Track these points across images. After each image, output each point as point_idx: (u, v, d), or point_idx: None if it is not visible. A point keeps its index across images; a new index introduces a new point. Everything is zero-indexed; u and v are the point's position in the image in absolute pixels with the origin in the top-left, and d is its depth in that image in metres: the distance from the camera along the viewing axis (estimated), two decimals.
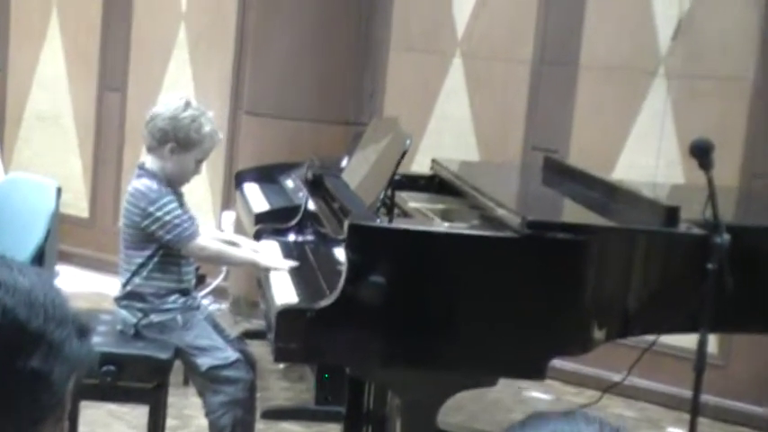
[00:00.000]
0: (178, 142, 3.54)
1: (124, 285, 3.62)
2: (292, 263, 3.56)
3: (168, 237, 3.50)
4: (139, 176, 3.59)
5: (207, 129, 3.57)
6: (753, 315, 3.39)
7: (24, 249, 4.71)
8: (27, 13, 6.81)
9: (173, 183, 3.60)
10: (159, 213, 3.49)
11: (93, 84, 6.65)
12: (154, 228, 3.50)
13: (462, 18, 5.55)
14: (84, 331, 1.32)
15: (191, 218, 3.60)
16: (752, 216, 4.29)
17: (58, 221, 5.14)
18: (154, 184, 3.54)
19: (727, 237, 2.99)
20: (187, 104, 3.57)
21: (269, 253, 3.72)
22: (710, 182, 3.02)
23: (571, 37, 5.28)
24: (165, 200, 3.51)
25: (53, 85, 6.75)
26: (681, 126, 4.98)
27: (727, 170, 4.69)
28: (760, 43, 4.84)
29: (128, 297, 3.61)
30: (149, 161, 3.60)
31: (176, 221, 3.50)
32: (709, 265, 2.98)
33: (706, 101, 4.97)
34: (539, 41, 5.37)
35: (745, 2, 4.88)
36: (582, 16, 5.24)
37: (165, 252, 3.56)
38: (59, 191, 5.00)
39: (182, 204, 3.62)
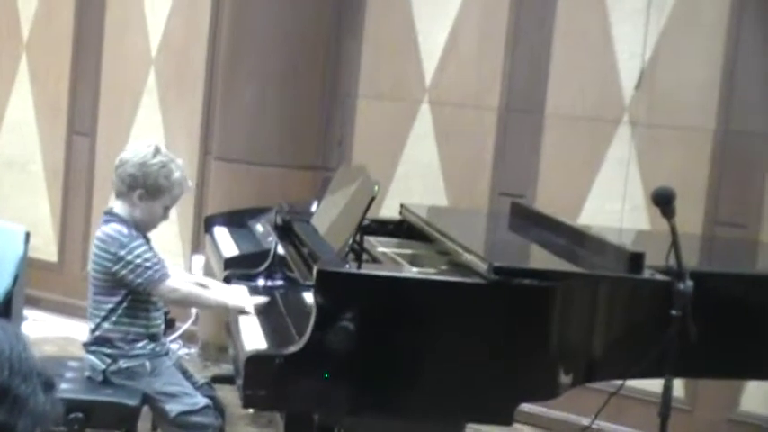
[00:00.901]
0: (147, 189, 3.55)
1: (93, 331, 3.62)
2: (262, 299, 3.58)
3: (139, 280, 3.50)
4: (107, 222, 3.59)
5: (176, 176, 3.59)
6: (717, 360, 3.43)
7: None
8: None
9: (140, 228, 3.61)
10: (130, 257, 3.50)
11: (62, 128, 6.65)
12: (124, 272, 3.50)
13: (430, 66, 5.62)
14: (49, 385, 1.33)
15: (161, 260, 3.61)
16: (715, 263, 4.35)
17: (27, 266, 5.13)
18: (124, 229, 3.54)
19: (690, 283, 3.04)
20: (156, 151, 3.59)
21: (238, 294, 3.73)
22: (673, 229, 3.08)
23: (537, 85, 5.36)
24: (135, 243, 3.52)
25: (22, 129, 6.74)
26: (645, 173, 5.06)
27: (691, 217, 4.77)
28: (721, 93, 4.94)
29: (96, 342, 3.60)
30: (118, 206, 3.62)
31: (147, 264, 3.51)
32: (673, 312, 3.03)
33: (669, 149, 5.05)
34: (505, 89, 5.45)
35: (706, 54, 4.98)
36: (548, 65, 5.32)
37: (134, 297, 3.57)
38: (28, 236, 4.99)
39: (150, 249, 3.63)
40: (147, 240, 3.66)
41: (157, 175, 3.55)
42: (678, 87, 5.04)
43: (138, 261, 3.50)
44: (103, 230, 3.57)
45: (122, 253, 3.50)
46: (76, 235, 6.58)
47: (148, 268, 3.50)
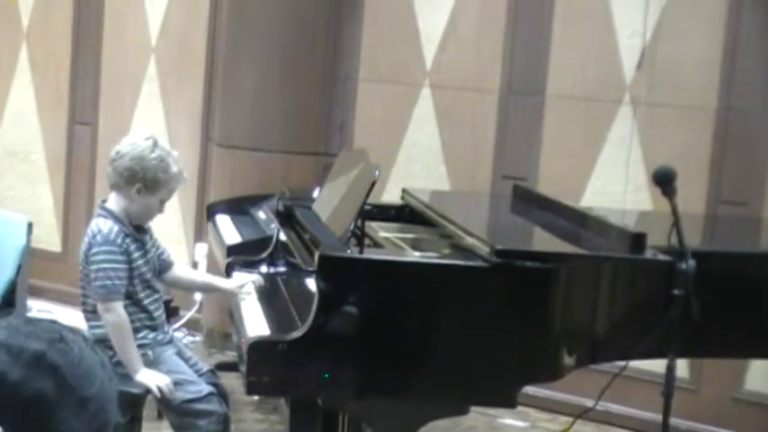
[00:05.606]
0: (145, 183, 3.52)
1: (89, 327, 3.59)
2: (255, 277, 3.61)
3: (94, 284, 3.47)
4: (98, 215, 3.58)
5: (174, 169, 3.56)
6: (720, 339, 3.43)
7: None
8: None
9: (135, 221, 3.57)
10: (96, 258, 3.46)
11: (63, 118, 6.64)
12: (90, 268, 3.48)
13: (430, 49, 5.60)
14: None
15: (123, 278, 3.48)
16: (717, 241, 4.34)
17: (30, 256, 5.13)
18: (105, 228, 3.50)
19: (692, 262, 3.03)
20: (155, 145, 3.54)
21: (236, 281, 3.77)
22: (674, 209, 3.07)
23: (538, 67, 5.34)
24: (105, 248, 3.47)
25: (23, 119, 6.74)
26: (647, 152, 5.04)
27: (694, 196, 4.76)
28: (722, 71, 4.91)
29: (95, 338, 3.57)
30: (112, 199, 3.58)
31: (110, 273, 3.45)
32: (676, 291, 3.02)
33: (671, 128, 5.03)
34: (506, 72, 5.43)
35: (707, 32, 4.96)
36: (548, 47, 5.30)
37: (127, 291, 3.52)
38: (30, 226, 4.99)
39: (143, 244, 3.58)
40: (145, 232, 3.62)
41: (156, 170, 3.52)
42: (679, 65, 5.02)
43: (104, 265, 3.45)
44: (91, 224, 3.56)
45: (92, 251, 3.48)
46: (79, 224, 6.56)
47: (105, 278, 3.45)
